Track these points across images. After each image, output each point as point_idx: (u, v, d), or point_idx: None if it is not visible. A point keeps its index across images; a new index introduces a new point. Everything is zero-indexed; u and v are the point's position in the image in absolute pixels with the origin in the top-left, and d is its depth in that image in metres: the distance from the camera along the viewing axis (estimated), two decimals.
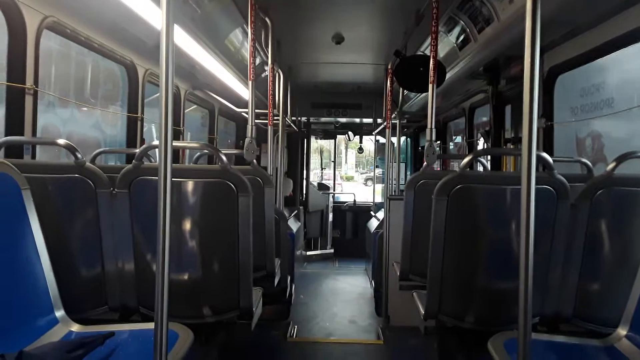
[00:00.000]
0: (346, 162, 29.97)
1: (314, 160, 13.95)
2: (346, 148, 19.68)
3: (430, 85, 3.59)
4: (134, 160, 2.56)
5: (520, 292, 1.70)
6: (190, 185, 2.56)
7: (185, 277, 2.62)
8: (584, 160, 3.31)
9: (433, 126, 3.50)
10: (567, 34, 3.67)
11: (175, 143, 3.74)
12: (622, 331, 2.27)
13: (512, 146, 4.89)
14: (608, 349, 2.25)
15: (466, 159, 2.73)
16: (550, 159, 2.49)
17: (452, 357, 3.02)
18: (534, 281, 1.70)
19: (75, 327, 2.24)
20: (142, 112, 4.48)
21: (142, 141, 4.47)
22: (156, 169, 1.72)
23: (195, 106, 6.59)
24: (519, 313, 1.70)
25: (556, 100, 4.17)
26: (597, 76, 3.85)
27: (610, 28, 3.27)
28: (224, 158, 2.59)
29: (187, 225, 2.59)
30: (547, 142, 4.15)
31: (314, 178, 13.69)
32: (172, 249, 1.74)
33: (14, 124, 2.88)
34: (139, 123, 4.45)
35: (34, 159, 3.06)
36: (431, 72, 3.58)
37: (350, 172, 30.75)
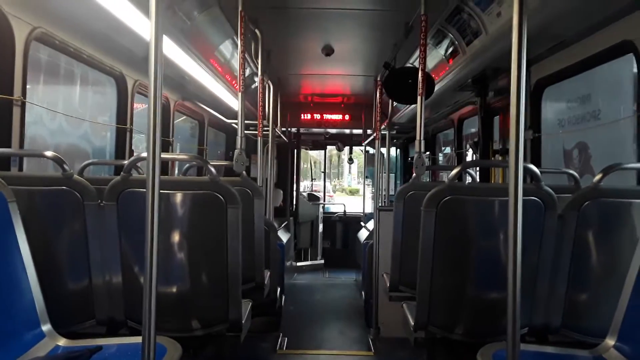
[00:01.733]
0: (349, 172, 27.08)
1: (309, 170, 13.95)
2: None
3: (419, 97, 3.62)
4: (122, 172, 2.55)
5: (508, 303, 1.70)
6: (178, 197, 2.55)
7: (174, 290, 2.60)
8: (570, 171, 3.34)
9: (422, 138, 3.52)
10: (554, 48, 3.72)
11: (164, 155, 3.72)
12: (610, 341, 2.28)
13: (500, 157, 4.93)
14: None
15: (455, 171, 2.74)
16: (537, 171, 2.51)
17: None
18: (522, 292, 1.71)
19: (62, 342, 2.22)
20: (131, 123, 4.46)
21: (131, 152, 4.45)
22: (145, 181, 1.71)
23: (184, 117, 6.58)
24: (507, 324, 1.71)
25: (545, 112, 4.22)
26: (584, 88, 3.90)
27: (596, 41, 3.32)
28: (212, 170, 2.59)
29: (176, 237, 2.58)
30: (534, 153, 4.19)
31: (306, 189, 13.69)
32: (160, 261, 1.73)
33: (1, 136, 2.86)
34: (127, 134, 4.43)
35: (21, 171, 3.03)
36: (420, 84, 3.61)
37: (354, 184, 26.94)
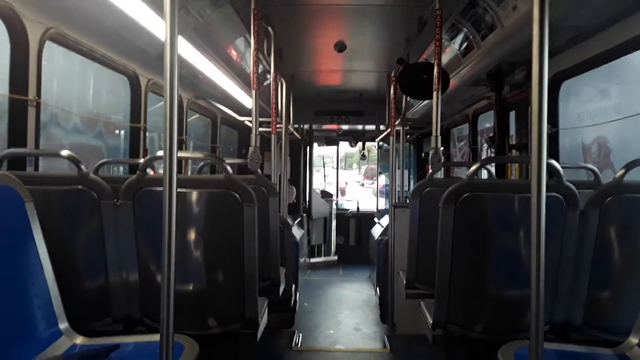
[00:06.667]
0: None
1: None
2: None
3: (435, 93, 3.56)
4: (137, 171, 2.55)
5: (532, 301, 1.67)
6: (194, 195, 2.54)
7: (190, 288, 2.59)
8: (590, 166, 3.28)
9: (439, 133, 3.48)
10: (571, 40, 3.65)
11: (180, 153, 3.73)
12: (634, 340, 2.24)
13: (516, 152, 4.86)
14: (620, 358, 2.21)
15: (474, 167, 2.70)
16: (558, 166, 2.47)
17: None
18: (544, 289, 1.67)
19: (79, 340, 2.22)
20: (145, 122, 4.47)
21: (145, 151, 4.46)
22: (161, 179, 1.71)
23: (197, 115, 6.59)
24: (531, 322, 1.67)
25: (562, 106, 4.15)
26: (604, 82, 3.83)
27: (615, 34, 3.26)
28: (229, 169, 2.58)
29: (192, 236, 2.57)
30: (552, 148, 4.13)
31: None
32: (177, 259, 1.72)
33: (17, 136, 2.87)
34: (141, 133, 4.44)
35: (37, 171, 3.04)
36: (435, 80, 3.56)
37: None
